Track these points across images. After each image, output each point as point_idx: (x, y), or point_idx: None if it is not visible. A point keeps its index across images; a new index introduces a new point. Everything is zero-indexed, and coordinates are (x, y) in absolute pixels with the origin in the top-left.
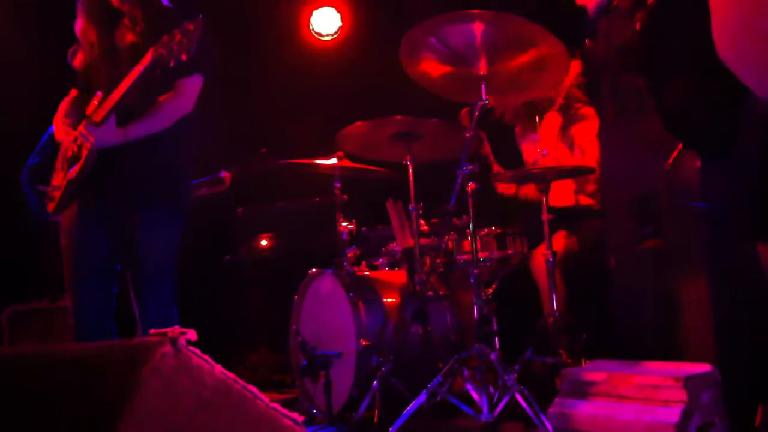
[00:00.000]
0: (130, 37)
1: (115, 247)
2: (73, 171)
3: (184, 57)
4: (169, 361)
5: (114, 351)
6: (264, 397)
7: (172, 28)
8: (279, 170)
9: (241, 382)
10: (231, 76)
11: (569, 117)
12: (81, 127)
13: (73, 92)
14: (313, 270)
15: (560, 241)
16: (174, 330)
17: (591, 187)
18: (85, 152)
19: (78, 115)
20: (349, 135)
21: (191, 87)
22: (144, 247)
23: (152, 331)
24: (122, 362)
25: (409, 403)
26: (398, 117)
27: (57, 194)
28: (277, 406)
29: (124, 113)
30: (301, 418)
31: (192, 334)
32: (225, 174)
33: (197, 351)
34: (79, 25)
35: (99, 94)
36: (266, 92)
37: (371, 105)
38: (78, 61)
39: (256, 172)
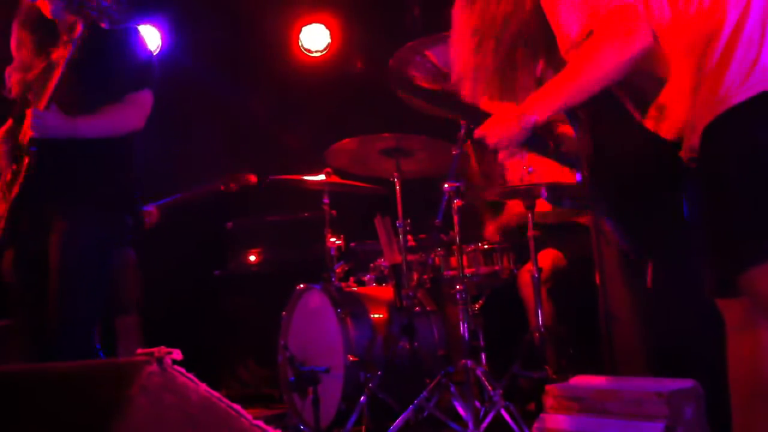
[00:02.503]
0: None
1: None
2: (16, 188)
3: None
4: (155, 380)
5: (101, 370)
6: (248, 415)
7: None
8: (268, 185)
9: (225, 400)
10: (221, 91)
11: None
12: (27, 119)
13: (9, 122)
14: (301, 285)
15: (548, 257)
16: (160, 349)
17: None
18: (26, 159)
19: (13, 145)
20: (338, 151)
21: (141, 100)
22: (64, 248)
23: (139, 351)
24: (110, 381)
25: (397, 418)
26: (386, 134)
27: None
28: (260, 423)
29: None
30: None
31: (177, 354)
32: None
33: (182, 370)
34: (14, 44)
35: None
36: (256, 107)
37: (360, 121)
38: (13, 84)
39: (244, 187)
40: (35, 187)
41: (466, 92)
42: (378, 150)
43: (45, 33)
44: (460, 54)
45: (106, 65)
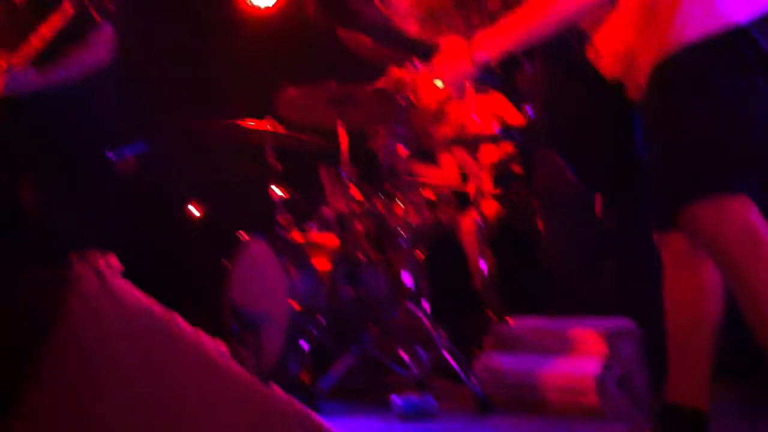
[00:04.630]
0: None
1: None
2: None
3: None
4: (92, 284)
5: (38, 277)
6: (187, 324)
7: None
8: (211, 136)
9: (164, 307)
10: (164, 42)
11: None
12: None
13: None
14: (245, 236)
15: (489, 207)
16: (96, 254)
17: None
18: None
19: None
20: (283, 100)
21: (103, 37)
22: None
23: (74, 256)
24: (46, 288)
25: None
26: (332, 82)
27: None
28: (200, 332)
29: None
30: (224, 347)
31: (114, 260)
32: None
33: (120, 277)
34: None
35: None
36: (201, 59)
37: (308, 72)
38: None
39: (187, 134)
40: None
41: (415, 29)
42: (324, 99)
43: None
44: None
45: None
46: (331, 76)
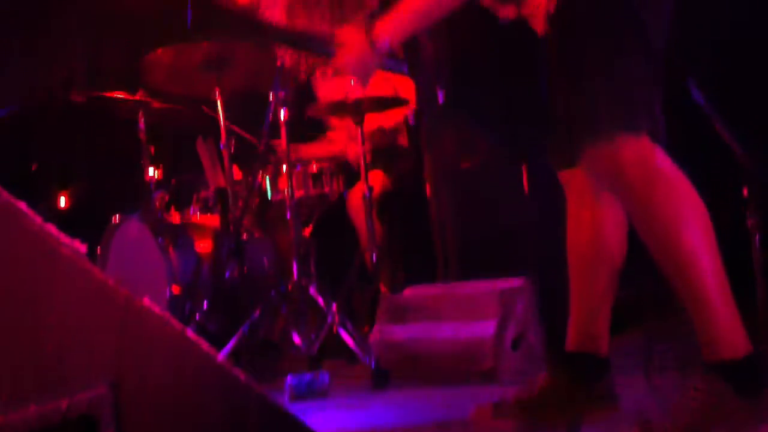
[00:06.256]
0: None
1: None
2: None
3: None
4: None
5: None
6: (37, 217)
7: None
8: (76, 115)
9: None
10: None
11: None
12: None
13: None
14: (117, 216)
15: (377, 180)
16: None
17: (398, 118)
18: None
19: None
20: (153, 64)
21: None
22: None
23: None
24: None
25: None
26: (205, 42)
27: None
28: (52, 228)
29: None
30: (83, 248)
31: None
32: None
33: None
34: None
35: None
36: (62, 23)
37: (180, 35)
38: None
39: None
40: None
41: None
42: (198, 62)
43: None
44: None
45: None
46: (204, 37)
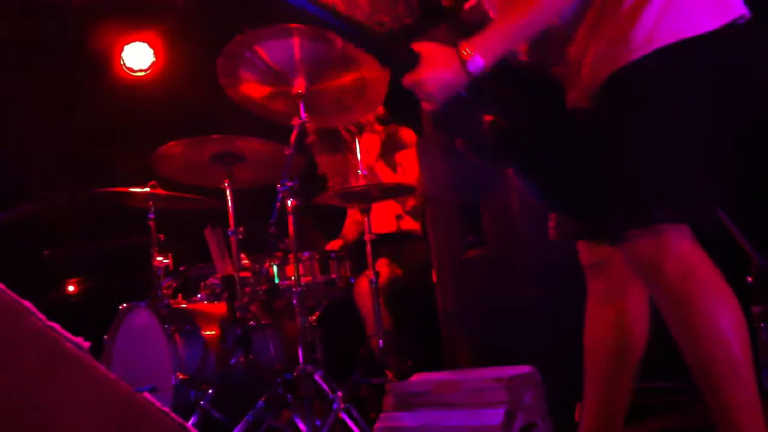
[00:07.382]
0: None
1: None
2: None
3: None
4: None
5: None
6: (42, 316)
7: None
8: (89, 206)
9: (16, 297)
10: (39, 109)
11: (393, 143)
12: None
13: None
14: (125, 305)
15: (383, 267)
16: None
17: (411, 202)
18: None
19: None
20: (165, 157)
21: None
22: None
23: None
24: None
25: None
26: (215, 136)
27: None
28: (56, 326)
29: None
30: (86, 344)
31: None
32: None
33: None
34: None
35: None
36: (79, 124)
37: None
38: None
39: (65, 206)
40: None
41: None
42: (209, 155)
43: None
44: None
45: None
46: (215, 131)
